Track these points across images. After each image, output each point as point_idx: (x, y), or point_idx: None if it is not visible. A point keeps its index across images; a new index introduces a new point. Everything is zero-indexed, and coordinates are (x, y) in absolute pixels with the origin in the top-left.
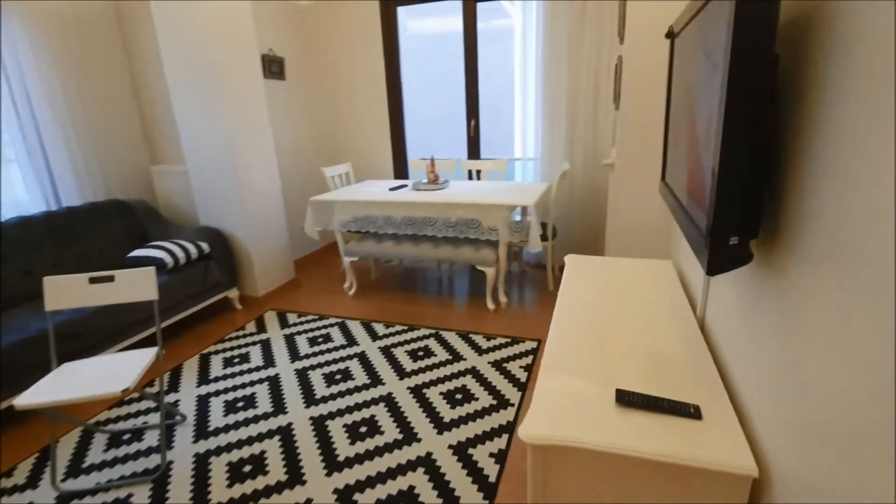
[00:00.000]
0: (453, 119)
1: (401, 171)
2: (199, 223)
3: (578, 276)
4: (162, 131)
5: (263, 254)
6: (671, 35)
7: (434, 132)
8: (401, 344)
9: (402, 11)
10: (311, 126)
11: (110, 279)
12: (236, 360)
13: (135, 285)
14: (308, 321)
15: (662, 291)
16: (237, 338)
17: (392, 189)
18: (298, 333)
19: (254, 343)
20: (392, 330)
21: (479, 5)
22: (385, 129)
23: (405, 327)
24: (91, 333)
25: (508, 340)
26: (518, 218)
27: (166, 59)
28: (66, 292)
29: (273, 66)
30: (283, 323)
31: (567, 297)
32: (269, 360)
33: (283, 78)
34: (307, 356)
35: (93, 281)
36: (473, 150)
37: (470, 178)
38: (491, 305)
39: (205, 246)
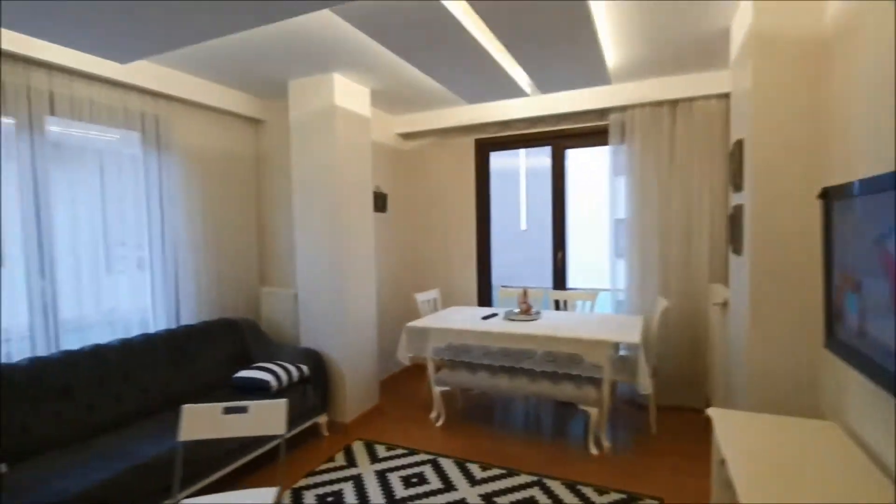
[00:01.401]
0: (537, 248)
1: (485, 298)
2: (299, 343)
3: (733, 436)
4: (273, 257)
5: (355, 378)
6: (826, 196)
7: (517, 260)
8: (503, 492)
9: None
10: (404, 253)
11: (244, 410)
12: (329, 498)
13: (266, 418)
14: (398, 455)
15: (843, 461)
16: (328, 471)
17: (484, 318)
18: (390, 470)
19: (346, 479)
20: (490, 474)
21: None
22: (471, 258)
23: (503, 471)
24: (195, 462)
25: (624, 497)
26: (621, 353)
27: (297, 193)
28: (201, 421)
29: (378, 202)
30: (373, 456)
31: (738, 463)
32: (364, 503)
33: (385, 211)
34: (404, 500)
35: (227, 411)
36: (559, 280)
37: (557, 307)
38: (594, 450)
39: (305, 369)
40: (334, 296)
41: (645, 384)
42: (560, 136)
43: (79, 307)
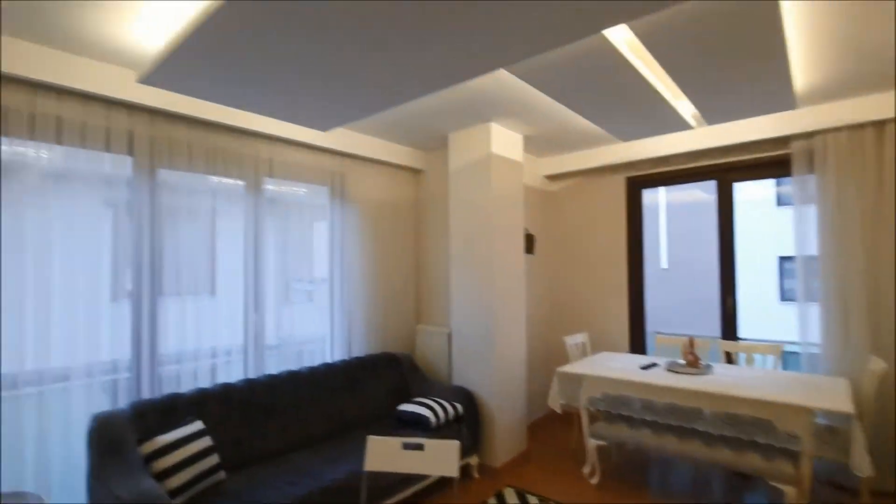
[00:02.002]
0: (682, 289)
1: (638, 344)
2: (451, 381)
3: None
4: (429, 296)
5: (504, 420)
6: None
7: (661, 302)
8: None
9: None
10: (551, 295)
11: (420, 447)
12: None
13: (439, 457)
14: None
15: None
16: None
17: (644, 367)
18: None
19: None
20: None
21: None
22: (622, 300)
23: None
24: (369, 489)
25: None
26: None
27: (453, 236)
28: (383, 453)
29: (527, 243)
30: None
31: None
32: None
33: (533, 252)
34: None
35: (405, 447)
36: (729, 329)
37: (729, 361)
38: None
39: (459, 407)
40: (485, 336)
41: (862, 464)
42: (727, 169)
43: (276, 334)
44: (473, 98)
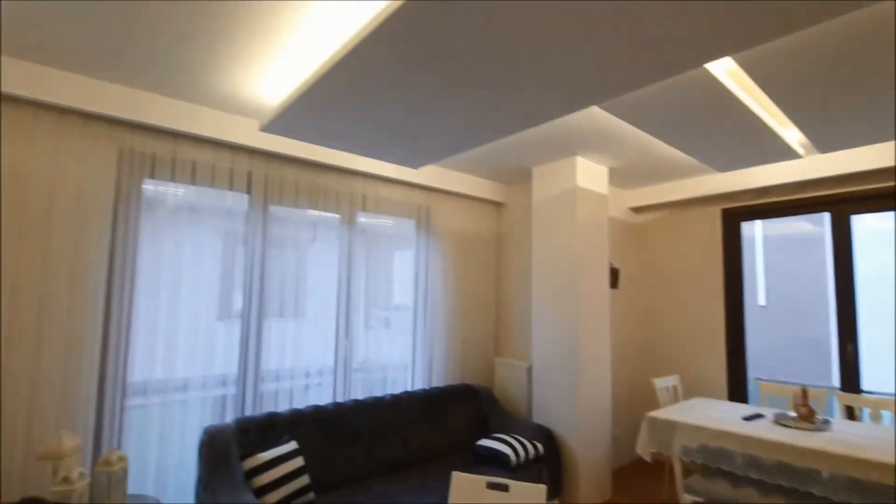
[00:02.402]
0: (785, 330)
1: (738, 391)
2: (531, 417)
3: None
4: (508, 328)
5: (588, 463)
6: None
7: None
8: None
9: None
10: (637, 332)
11: (505, 488)
12: None
13: (525, 501)
14: None
15: None
16: None
17: (747, 418)
18: None
19: None
20: None
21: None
22: (717, 341)
23: None
24: None
25: None
26: None
27: (536, 269)
28: (466, 491)
29: (611, 278)
30: None
31: None
32: None
33: (617, 287)
34: None
35: (490, 486)
36: (850, 380)
37: (850, 417)
38: None
39: (539, 447)
40: (568, 373)
41: None
42: (842, 201)
43: (362, 358)
44: (558, 132)
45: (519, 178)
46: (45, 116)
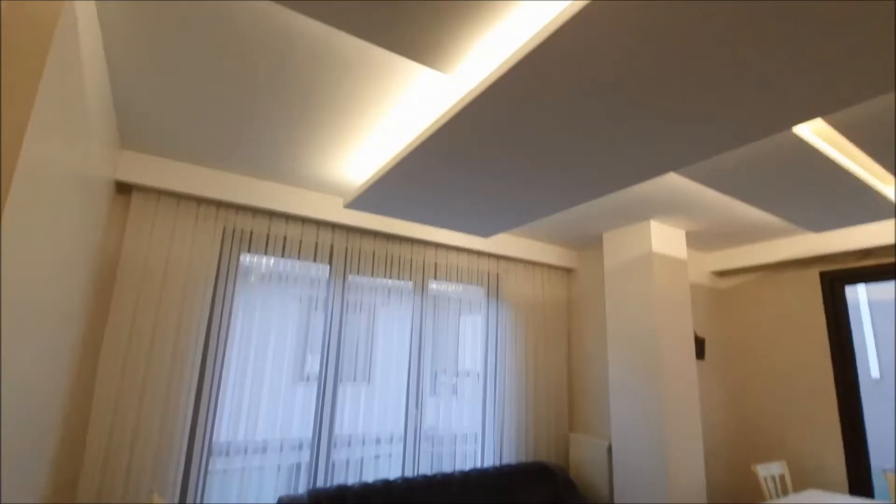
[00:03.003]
0: None
1: (861, 483)
2: (610, 500)
3: None
4: (583, 402)
5: None
6: None
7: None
8: None
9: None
10: (730, 409)
11: None
12: None
13: None
14: None
15: None
16: None
17: None
18: None
19: None
20: None
21: None
22: (831, 422)
23: None
24: None
25: None
26: None
27: (611, 339)
28: None
29: (696, 347)
30: None
31: None
32: None
33: (703, 357)
34: None
35: None
36: None
37: None
38: None
39: None
40: (654, 455)
41: None
42: None
43: (431, 426)
44: (629, 198)
45: (589, 243)
46: (166, 202)
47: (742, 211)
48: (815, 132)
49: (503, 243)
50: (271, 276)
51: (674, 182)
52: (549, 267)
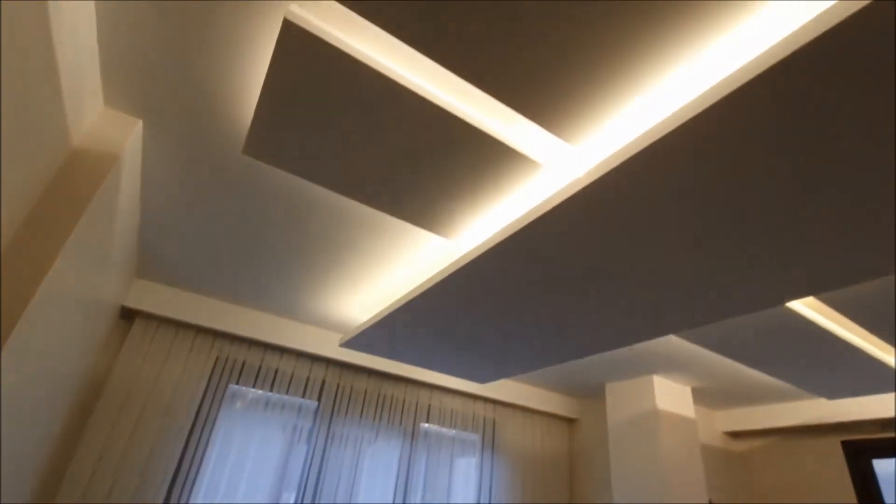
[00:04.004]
0: None
1: None
2: None
3: None
4: None
5: None
6: None
7: None
8: None
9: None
10: None
11: None
12: None
13: None
14: None
15: None
16: None
17: None
18: None
19: None
20: None
21: None
22: None
23: None
24: None
25: None
26: None
27: (617, 496)
28: None
29: None
30: None
31: None
32: None
33: None
34: None
35: None
36: None
37: None
38: None
39: None
40: None
41: None
42: None
43: None
44: (631, 351)
45: (592, 392)
46: (165, 328)
47: (749, 371)
48: (807, 304)
49: (501, 388)
50: (258, 404)
51: (675, 340)
52: (550, 416)
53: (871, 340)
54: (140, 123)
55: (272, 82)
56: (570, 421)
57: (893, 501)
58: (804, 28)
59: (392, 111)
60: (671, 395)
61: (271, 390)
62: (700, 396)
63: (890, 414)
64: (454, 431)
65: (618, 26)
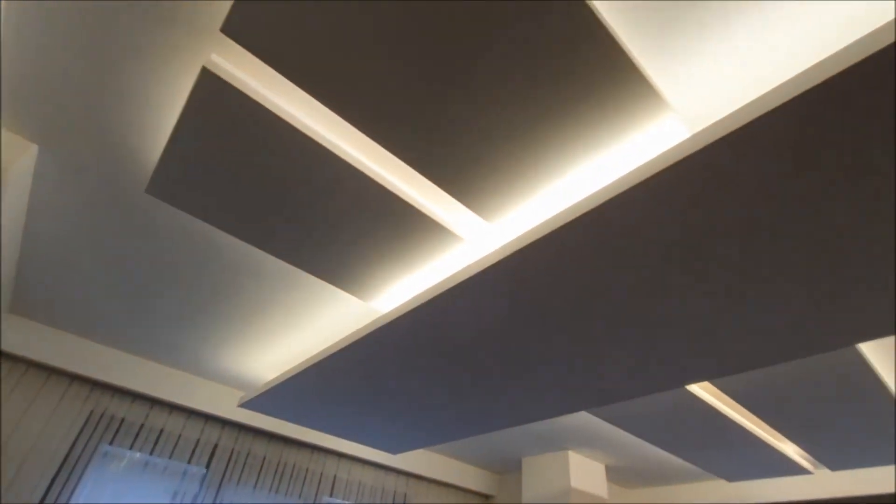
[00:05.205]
0: None
1: None
2: None
3: None
4: None
5: None
6: None
7: None
8: None
9: None
10: None
11: None
12: None
13: None
14: None
15: None
16: None
17: None
18: None
19: None
20: None
21: None
22: None
23: None
24: None
25: None
26: None
27: None
28: None
29: None
30: None
31: None
32: None
33: None
34: None
35: None
36: None
37: None
38: None
39: None
40: None
41: None
42: None
43: None
44: (546, 425)
45: (510, 467)
46: (33, 374)
47: (659, 452)
48: (704, 388)
49: (414, 459)
50: (134, 465)
51: (587, 416)
52: (466, 491)
53: (762, 427)
54: (35, 148)
55: (183, 125)
56: (486, 497)
57: None
58: (691, 139)
59: (311, 171)
60: (585, 473)
61: (152, 453)
62: (613, 474)
63: (788, 497)
64: None
65: (538, 119)
